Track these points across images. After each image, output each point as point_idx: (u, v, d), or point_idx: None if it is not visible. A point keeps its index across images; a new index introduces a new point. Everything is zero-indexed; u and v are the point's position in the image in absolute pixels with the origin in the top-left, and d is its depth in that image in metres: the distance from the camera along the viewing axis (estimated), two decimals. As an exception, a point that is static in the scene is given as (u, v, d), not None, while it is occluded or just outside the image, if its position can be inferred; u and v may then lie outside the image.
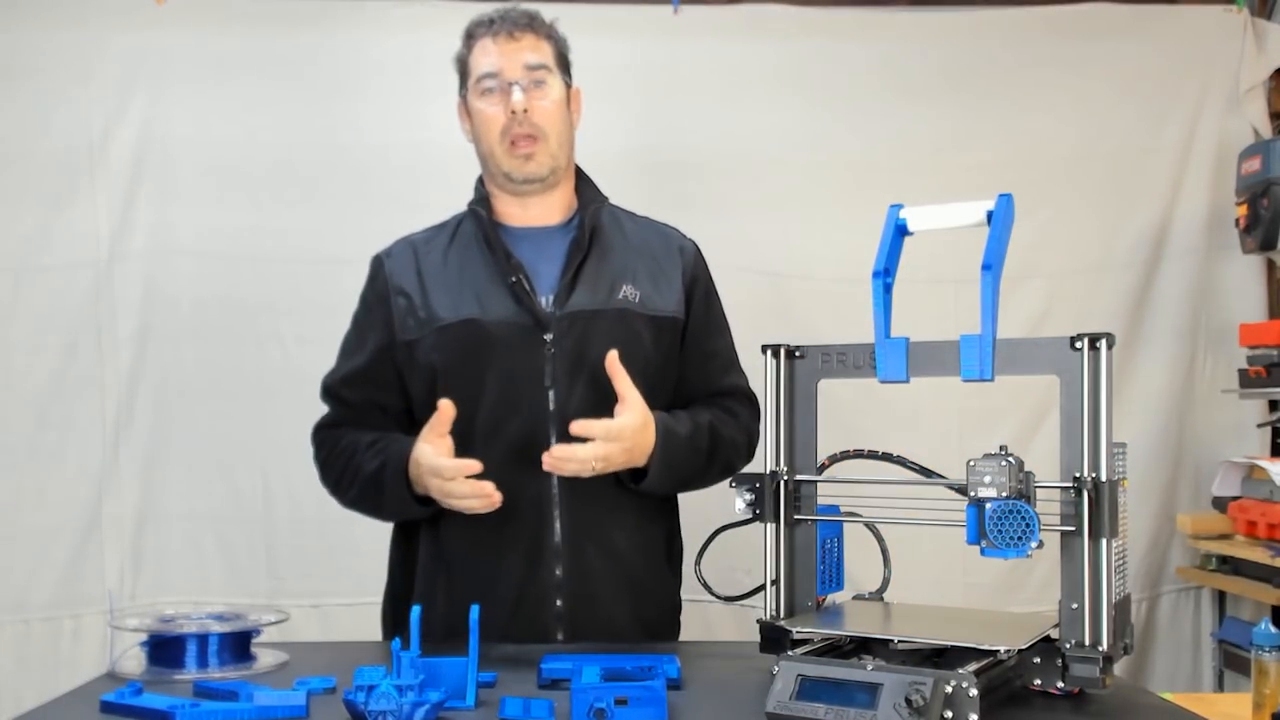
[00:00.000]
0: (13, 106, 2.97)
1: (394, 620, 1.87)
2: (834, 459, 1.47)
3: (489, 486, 1.61)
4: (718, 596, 1.62)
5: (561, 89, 1.84)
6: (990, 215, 1.34)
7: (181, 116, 3.02)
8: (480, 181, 1.90)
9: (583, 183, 1.92)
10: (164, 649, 1.51)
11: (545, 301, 1.78)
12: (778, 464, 1.44)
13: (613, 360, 1.67)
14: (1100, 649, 1.24)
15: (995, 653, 1.24)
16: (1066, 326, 1.37)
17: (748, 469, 1.70)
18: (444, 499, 1.66)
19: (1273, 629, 1.76)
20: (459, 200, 2.87)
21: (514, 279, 1.77)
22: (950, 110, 3.20)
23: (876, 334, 1.35)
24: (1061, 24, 3.23)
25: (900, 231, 1.39)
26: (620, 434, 1.65)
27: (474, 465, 1.62)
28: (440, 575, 1.78)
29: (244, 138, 3.04)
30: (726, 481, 1.52)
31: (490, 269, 1.80)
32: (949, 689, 1.14)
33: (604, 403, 1.68)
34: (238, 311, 3.03)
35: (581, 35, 1.93)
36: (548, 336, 1.75)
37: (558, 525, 1.74)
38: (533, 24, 1.83)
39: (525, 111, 1.78)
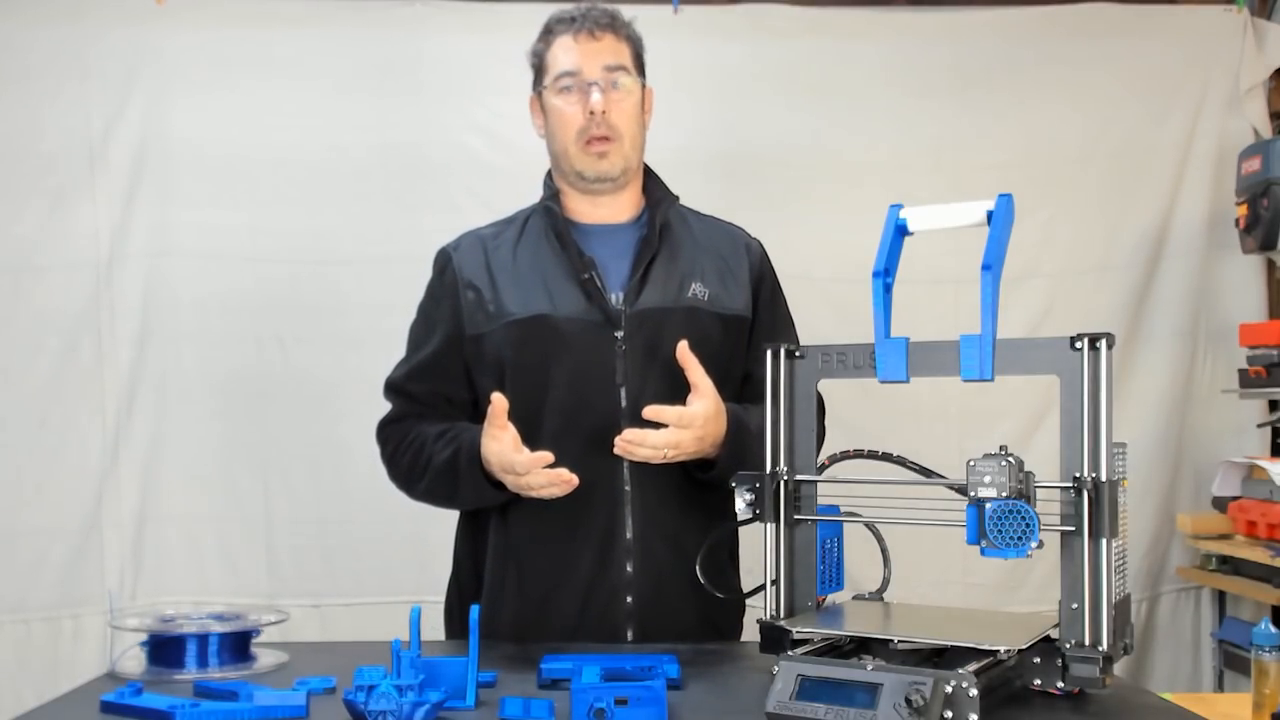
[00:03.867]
0: (13, 106, 2.97)
1: (461, 616, 1.84)
2: (834, 459, 1.47)
3: (565, 474, 1.60)
4: (719, 595, 1.62)
5: (638, 90, 1.84)
6: (990, 215, 1.34)
7: (181, 116, 3.03)
8: (549, 178, 1.90)
9: (651, 180, 1.92)
10: (164, 649, 1.51)
11: (615, 299, 1.78)
12: (778, 464, 1.44)
13: (684, 350, 1.67)
14: (1100, 649, 1.23)
15: (995, 653, 1.24)
16: (1067, 326, 1.36)
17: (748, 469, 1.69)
18: (522, 491, 1.66)
19: (1273, 629, 1.76)
20: (461, 200, 2.91)
21: (586, 275, 1.77)
22: (950, 110, 3.20)
23: (876, 334, 1.35)
24: (1062, 24, 3.23)
25: (900, 231, 1.39)
26: (693, 421, 1.65)
27: (546, 457, 1.61)
28: (510, 571, 1.77)
29: (244, 137, 3.04)
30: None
31: (562, 265, 1.79)
32: (949, 689, 1.14)
33: (675, 400, 1.67)
34: (237, 311, 3.03)
35: (581, 35, 1.93)
36: (618, 334, 1.75)
37: (629, 522, 1.74)
38: (613, 24, 1.82)
39: (604, 113, 1.78)
